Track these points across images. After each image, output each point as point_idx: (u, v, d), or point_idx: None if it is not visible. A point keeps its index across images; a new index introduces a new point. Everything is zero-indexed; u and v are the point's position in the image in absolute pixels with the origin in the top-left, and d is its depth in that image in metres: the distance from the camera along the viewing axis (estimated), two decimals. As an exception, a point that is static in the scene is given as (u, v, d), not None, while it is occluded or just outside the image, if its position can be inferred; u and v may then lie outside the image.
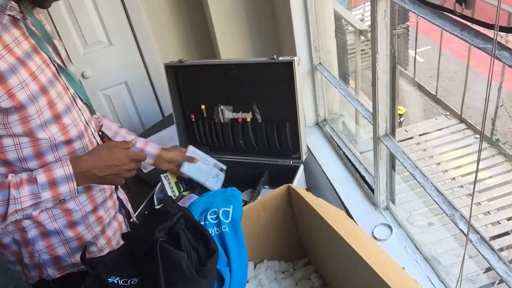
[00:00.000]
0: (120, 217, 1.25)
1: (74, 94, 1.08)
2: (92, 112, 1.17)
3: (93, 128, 1.15)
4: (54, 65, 1.03)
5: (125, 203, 1.27)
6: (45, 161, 1.01)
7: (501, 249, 3.78)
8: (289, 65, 1.40)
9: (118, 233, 1.23)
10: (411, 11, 1.08)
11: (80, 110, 1.09)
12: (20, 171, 0.99)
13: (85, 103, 1.14)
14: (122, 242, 1.18)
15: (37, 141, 0.98)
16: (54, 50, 1.06)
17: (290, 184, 1.01)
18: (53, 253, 1.10)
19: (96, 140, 1.15)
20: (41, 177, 0.96)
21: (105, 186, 1.15)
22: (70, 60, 1.16)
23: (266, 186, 1.55)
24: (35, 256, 1.09)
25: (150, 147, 1.45)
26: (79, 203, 1.09)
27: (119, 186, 1.26)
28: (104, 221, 1.17)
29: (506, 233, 3.96)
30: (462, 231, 1.13)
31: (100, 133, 1.19)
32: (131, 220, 1.30)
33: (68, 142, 1.04)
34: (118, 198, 1.24)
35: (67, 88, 1.06)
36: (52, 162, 1.01)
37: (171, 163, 1.50)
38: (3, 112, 0.91)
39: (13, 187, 0.94)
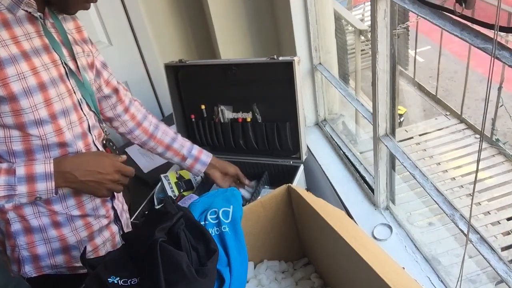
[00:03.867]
0: (115, 228, 1.21)
1: (80, 99, 1.08)
2: (99, 120, 1.16)
3: (95, 136, 1.13)
4: (64, 67, 1.03)
5: (119, 214, 1.22)
6: (33, 159, 0.99)
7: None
8: (289, 65, 1.40)
9: (109, 244, 1.20)
10: (411, 11, 1.08)
11: (85, 115, 1.09)
12: None
13: (93, 111, 1.13)
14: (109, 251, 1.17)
15: (28, 137, 0.98)
16: (70, 55, 1.07)
17: (290, 184, 1.01)
18: (33, 250, 1.08)
19: (97, 148, 1.13)
20: (20, 170, 0.95)
21: None
22: (96, 68, 1.17)
23: (266, 186, 1.55)
24: (15, 251, 1.08)
25: (204, 155, 1.42)
26: (66, 207, 1.07)
27: (117, 196, 1.21)
28: (93, 227, 1.14)
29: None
30: (462, 231, 1.13)
31: (104, 142, 1.18)
32: (133, 221, 1.29)
33: (62, 144, 1.02)
34: (113, 208, 1.20)
35: (74, 92, 1.05)
36: None
37: (224, 174, 1.45)
38: None
39: None
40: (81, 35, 1.14)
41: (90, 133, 1.11)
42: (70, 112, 1.04)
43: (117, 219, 1.23)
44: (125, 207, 1.31)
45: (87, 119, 1.10)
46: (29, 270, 1.11)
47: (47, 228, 1.08)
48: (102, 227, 1.17)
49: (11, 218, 1.04)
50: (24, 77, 0.93)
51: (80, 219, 1.11)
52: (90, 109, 1.12)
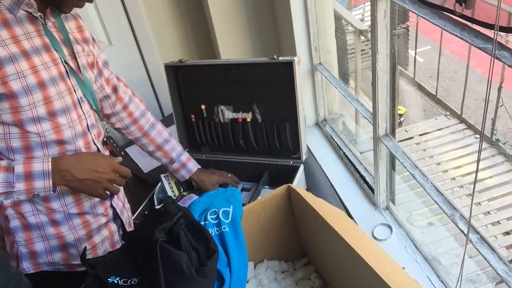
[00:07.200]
0: (114, 227, 1.22)
1: (81, 98, 1.09)
2: (100, 118, 1.17)
3: (94, 135, 1.14)
4: (65, 66, 1.04)
5: (119, 213, 1.23)
6: (32, 156, 1.01)
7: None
8: (289, 65, 1.40)
9: (108, 242, 1.21)
10: (411, 11, 1.08)
11: (84, 114, 1.09)
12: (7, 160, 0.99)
13: (93, 110, 1.14)
14: (109, 251, 1.17)
15: (26, 134, 0.99)
16: (71, 54, 1.07)
17: (290, 184, 1.01)
18: (31, 247, 1.10)
19: (97, 147, 1.14)
20: (19, 168, 0.96)
21: None
22: (96, 67, 1.18)
23: (266, 186, 1.55)
24: (14, 247, 1.10)
25: (192, 163, 1.49)
26: (64, 204, 1.08)
27: (116, 195, 1.21)
28: (91, 226, 1.15)
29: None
30: (462, 231, 1.13)
31: (105, 139, 1.18)
32: (133, 220, 1.29)
33: (60, 142, 1.04)
34: (112, 206, 1.20)
35: (74, 90, 1.06)
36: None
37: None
38: None
39: None
40: (82, 34, 1.15)
41: (89, 132, 1.12)
42: (70, 111, 1.05)
43: (116, 218, 1.23)
44: (127, 205, 1.32)
45: (86, 118, 1.10)
46: (27, 266, 1.12)
47: (45, 225, 1.08)
48: (100, 225, 1.17)
49: (9, 214, 1.06)
50: (24, 76, 0.94)
51: (78, 217, 1.12)
52: (91, 108, 1.13)
